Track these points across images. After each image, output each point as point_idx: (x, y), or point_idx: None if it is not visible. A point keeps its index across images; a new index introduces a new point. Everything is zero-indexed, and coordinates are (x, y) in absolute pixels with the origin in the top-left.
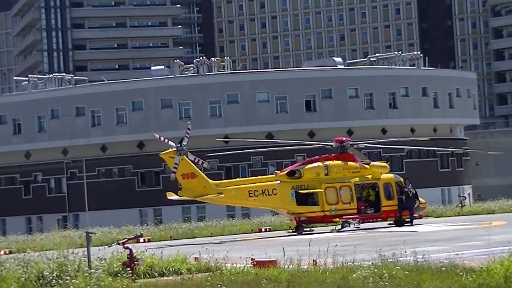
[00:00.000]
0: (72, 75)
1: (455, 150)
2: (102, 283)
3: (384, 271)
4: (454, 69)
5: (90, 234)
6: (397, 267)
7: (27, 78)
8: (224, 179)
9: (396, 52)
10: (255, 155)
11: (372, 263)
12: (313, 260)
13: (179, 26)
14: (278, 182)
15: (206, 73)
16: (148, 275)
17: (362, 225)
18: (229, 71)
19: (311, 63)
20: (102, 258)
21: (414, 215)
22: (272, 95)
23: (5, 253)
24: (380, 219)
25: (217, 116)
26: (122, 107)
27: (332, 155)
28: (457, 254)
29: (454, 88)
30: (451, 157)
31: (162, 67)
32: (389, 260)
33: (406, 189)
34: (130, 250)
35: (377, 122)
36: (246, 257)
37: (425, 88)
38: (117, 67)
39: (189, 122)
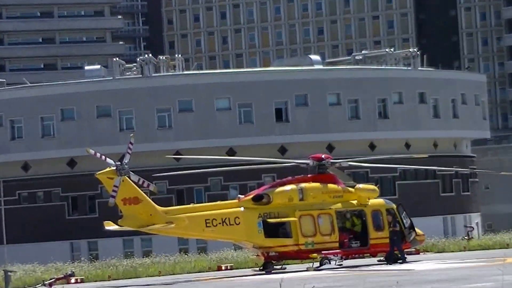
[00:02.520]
0: None
1: (460, 170)
2: None
3: None
4: (459, 70)
5: (9, 273)
6: None
7: None
8: (176, 205)
9: (387, 49)
10: (213, 175)
11: None
12: None
13: (119, 17)
14: (242, 209)
15: (153, 75)
16: None
17: (346, 262)
18: (181, 72)
19: (282, 63)
20: None
21: (410, 249)
22: (234, 102)
23: None
24: (368, 254)
25: (167, 127)
26: (49, 116)
27: (309, 175)
28: None
29: (459, 93)
30: (455, 178)
31: (98, 67)
32: None
33: (398, 218)
34: None
35: (363, 135)
36: None
37: (422, 93)
38: (42, 66)
39: (131, 134)
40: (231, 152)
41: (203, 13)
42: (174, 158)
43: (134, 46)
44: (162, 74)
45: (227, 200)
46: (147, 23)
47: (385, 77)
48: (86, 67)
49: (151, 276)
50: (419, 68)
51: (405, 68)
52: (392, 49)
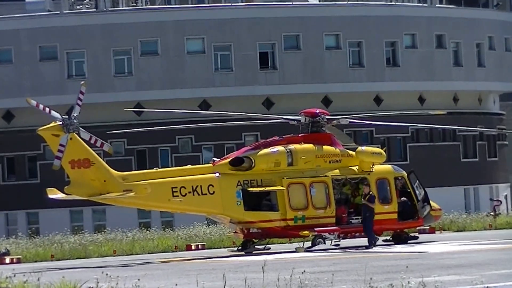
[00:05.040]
0: None
1: (486, 131)
2: None
3: None
4: (487, 8)
5: None
6: None
7: None
8: (136, 169)
9: None
10: (182, 133)
11: None
12: None
13: None
14: (217, 175)
15: (110, 9)
16: None
17: (344, 242)
18: (144, 7)
19: None
20: None
21: (423, 226)
22: (209, 44)
23: None
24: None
25: (126, 74)
26: None
27: (300, 135)
28: (487, 286)
29: (486, 36)
30: (479, 140)
31: None
32: None
33: (409, 188)
34: None
35: (368, 86)
36: None
37: (441, 36)
38: None
39: (82, 82)
40: (204, 105)
41: None
42: (134, 111)
43: None
44: (121, 8)
45: (199, 164)
46: None
47: (395, 16)
48: (27, 0)
49: (104, 256)
50: (437, 5)
51: (420, 4)
52: None
